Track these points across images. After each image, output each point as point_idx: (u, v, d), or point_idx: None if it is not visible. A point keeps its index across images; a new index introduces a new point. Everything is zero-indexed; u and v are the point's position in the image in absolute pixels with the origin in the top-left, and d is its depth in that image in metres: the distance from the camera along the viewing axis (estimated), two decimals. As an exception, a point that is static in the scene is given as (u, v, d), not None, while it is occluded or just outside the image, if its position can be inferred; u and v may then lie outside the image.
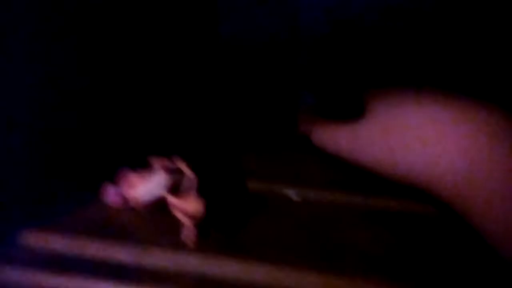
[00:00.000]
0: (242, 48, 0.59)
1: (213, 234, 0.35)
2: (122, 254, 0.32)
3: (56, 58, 0.39)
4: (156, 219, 0.38)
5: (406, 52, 0.52)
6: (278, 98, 0.58)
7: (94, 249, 0.33)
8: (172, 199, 0.38)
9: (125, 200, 0.39)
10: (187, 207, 0.37)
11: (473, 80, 0.48)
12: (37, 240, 0.34)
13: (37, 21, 0.36)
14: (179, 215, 0.37)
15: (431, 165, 0.36)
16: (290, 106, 0.56)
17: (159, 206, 0.38)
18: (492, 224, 0.31)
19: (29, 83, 0.36)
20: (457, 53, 0.50)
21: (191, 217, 0.36)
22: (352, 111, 0.43)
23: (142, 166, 0.40)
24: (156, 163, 0.39)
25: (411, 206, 0.40)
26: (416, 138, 0.37)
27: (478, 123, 0.34)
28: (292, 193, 0.42)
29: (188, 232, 0.34)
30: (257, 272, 0.31)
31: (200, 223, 0.35)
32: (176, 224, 0.36)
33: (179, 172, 0.39)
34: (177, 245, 0.33)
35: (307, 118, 0.49)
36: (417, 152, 0.37)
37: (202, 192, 0.36)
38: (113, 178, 0.40)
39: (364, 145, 0.41)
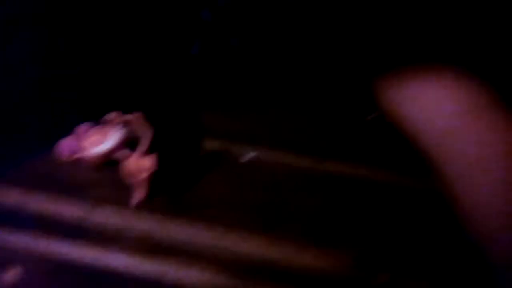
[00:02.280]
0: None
1: (162, 193, 0.36)
2: (69, 210, 0.33)
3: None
4: (107, 175, 0.38)
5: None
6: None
7: (41, 203, 0.33)
8: (125, 153, 0.38)
9: (79, 154, 0.39)
10: (140, 161, 0.38)
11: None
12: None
13: None
14: (131, 171, 0.37)
15: (429, 123, 0.38)
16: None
17: (112, 161, 0.39)
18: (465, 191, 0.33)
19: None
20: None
21: (143, 172, 0.36)
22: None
23: (99, 120, 0.40)
24: (113, 117, 0.39)
25: (363, 171, 0.41)
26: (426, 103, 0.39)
27: (473, 96, 0.37)
28: (246, 153, 0.42)
29: (137, 190, 0.35)
30: (201, 233, 0.32)
31: (151, 181, 0.36)
32: (126, 182, 0.36)
33: (136, 126, 0.39)
34: (125, 203, 0.34)
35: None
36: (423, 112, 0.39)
37: (157, 147, 0.37)
38: (70, 132, 0.40)
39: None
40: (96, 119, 0.40)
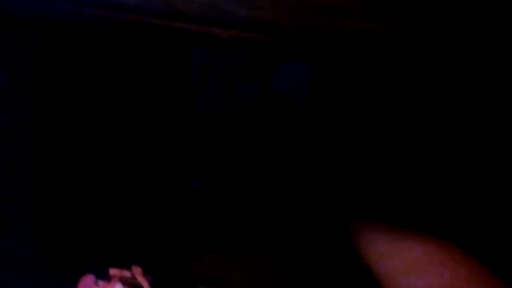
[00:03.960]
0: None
1: None
2: None
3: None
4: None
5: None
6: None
7: None
8: (127, 312, 0.40)
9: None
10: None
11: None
12: None
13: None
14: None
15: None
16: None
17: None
18: None
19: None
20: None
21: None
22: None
23: (103, 274, 0.42)
24: (115, 274, 0.41)
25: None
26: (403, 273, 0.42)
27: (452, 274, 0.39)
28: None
29: None
30: None
31: None
32: None
33: (136, 282, 0.41)
34: None
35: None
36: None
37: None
38: (76, 283, 0.42)
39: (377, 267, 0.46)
40: (99, 271, 0.42)
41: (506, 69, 0.32)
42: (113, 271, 0.41)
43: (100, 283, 0.42)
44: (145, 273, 0.42)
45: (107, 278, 0.42)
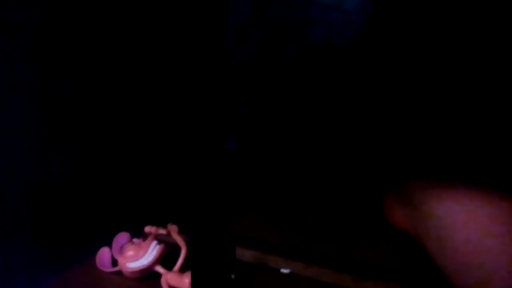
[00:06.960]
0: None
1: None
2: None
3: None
4: (148, 286, 0.38)
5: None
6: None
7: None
8: (161, 270, 0.39)
9: (117, 268, 0.40)
10: (179, 278, 0.38)
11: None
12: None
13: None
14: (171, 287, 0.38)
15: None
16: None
17: (149, 275, 0.39)
18: None
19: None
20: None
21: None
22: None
23: (138, 231, 0.40)
24: (150, 232, 0.39)
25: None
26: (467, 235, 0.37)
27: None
28: (282, 267, 0.42)
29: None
30: None
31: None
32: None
33: (172, 240, 0.40)
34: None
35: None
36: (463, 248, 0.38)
37: (194, 261, 0.37)
38: (110, 241, 0.41)
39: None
40: (134, 229, 0.41)
41: None
42: (148, 229, 0.40)
43: (135, 240, 0.41)
44: (181, 232, 0.40)
45: (142, 235, 0.41)
